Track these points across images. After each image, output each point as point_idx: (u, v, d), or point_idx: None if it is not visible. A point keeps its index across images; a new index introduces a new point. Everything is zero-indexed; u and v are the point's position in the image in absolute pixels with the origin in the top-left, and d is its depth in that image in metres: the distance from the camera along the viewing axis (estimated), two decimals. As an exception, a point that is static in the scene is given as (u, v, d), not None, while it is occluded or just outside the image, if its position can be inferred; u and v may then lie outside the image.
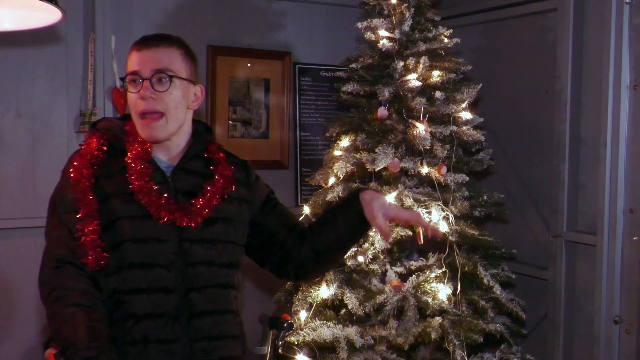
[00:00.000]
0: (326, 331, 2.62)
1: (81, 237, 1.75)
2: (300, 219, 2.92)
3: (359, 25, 2.79)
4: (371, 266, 2.69)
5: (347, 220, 1.98)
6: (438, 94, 2.73)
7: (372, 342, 2.64)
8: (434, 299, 2.62)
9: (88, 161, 1.82)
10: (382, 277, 2.76)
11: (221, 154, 1.97)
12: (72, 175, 1.80)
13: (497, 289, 2.72)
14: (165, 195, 1.80)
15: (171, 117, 1.83)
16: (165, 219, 1.78)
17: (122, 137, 1.87)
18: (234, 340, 1.88)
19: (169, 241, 1.80)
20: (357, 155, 2.75)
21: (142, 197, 1.78)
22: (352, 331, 2.62)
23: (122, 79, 1.85)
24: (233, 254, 1.91)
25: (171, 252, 1.79)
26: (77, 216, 1.76)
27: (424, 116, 2.70)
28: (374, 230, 2.61)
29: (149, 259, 1.78)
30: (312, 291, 2.69)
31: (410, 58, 2.72)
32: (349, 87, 2.82)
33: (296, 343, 2.58)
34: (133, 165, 1.81)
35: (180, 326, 1.78)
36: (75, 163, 1.82)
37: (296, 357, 2.46)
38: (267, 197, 2.06)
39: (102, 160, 1.84)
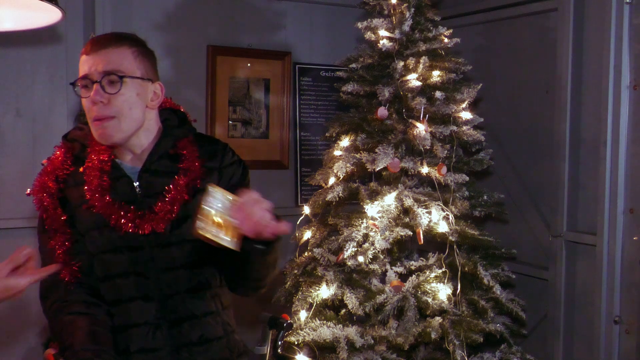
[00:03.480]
0: (326, 331, 2.62)
1: (53, 255, 1.75)
2: (299, 220, 2.94)
3: (359, 25, 2.79)
4: (371, 266, 2.69)
5: None
6: (438, 94, 2.73)
7: (372, 342, 2.63)
8: (434, 299, 2.62)
9: (54, 175, 1.80)
10: (382, 277, 2.76)
11: (191, 148, 1.85)
12: (34, 195, 1.79)
13: (497, 289, 2.72)
14: (124, 204, 1.75)
15: (124, 119, 1.74)
16: (129, 229, 1.73)
17: (88, 146, 1.82)
18: (218, 342, 1.83)
19: (143, 248, 1.76)
20: (357, 155, 2.74)
21: (100, 211, 1.74)
22: (352, 331, 2.62)
23: (73, 84, 1.78)
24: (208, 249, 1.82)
25: (146, 258, 1.76)
26: (46, 235, 1.77)
27: (424, 116, 2.70)
28: (373, 230, 2.63)
29: (124, 268, 1.76)
30: (312, 291, 2.69)
31: (410, 58, 2.72)
32: (349, 87, 2.82)
33: (296, 343, 2.58)
34: (87, 178, 1.77)
35: (161, 334, 1.76)
36: (36, 183, 1.80)
37: (296, 357, 2.45)
38: (236, 185, 1.85)
39: (68, 172, 1.81)
